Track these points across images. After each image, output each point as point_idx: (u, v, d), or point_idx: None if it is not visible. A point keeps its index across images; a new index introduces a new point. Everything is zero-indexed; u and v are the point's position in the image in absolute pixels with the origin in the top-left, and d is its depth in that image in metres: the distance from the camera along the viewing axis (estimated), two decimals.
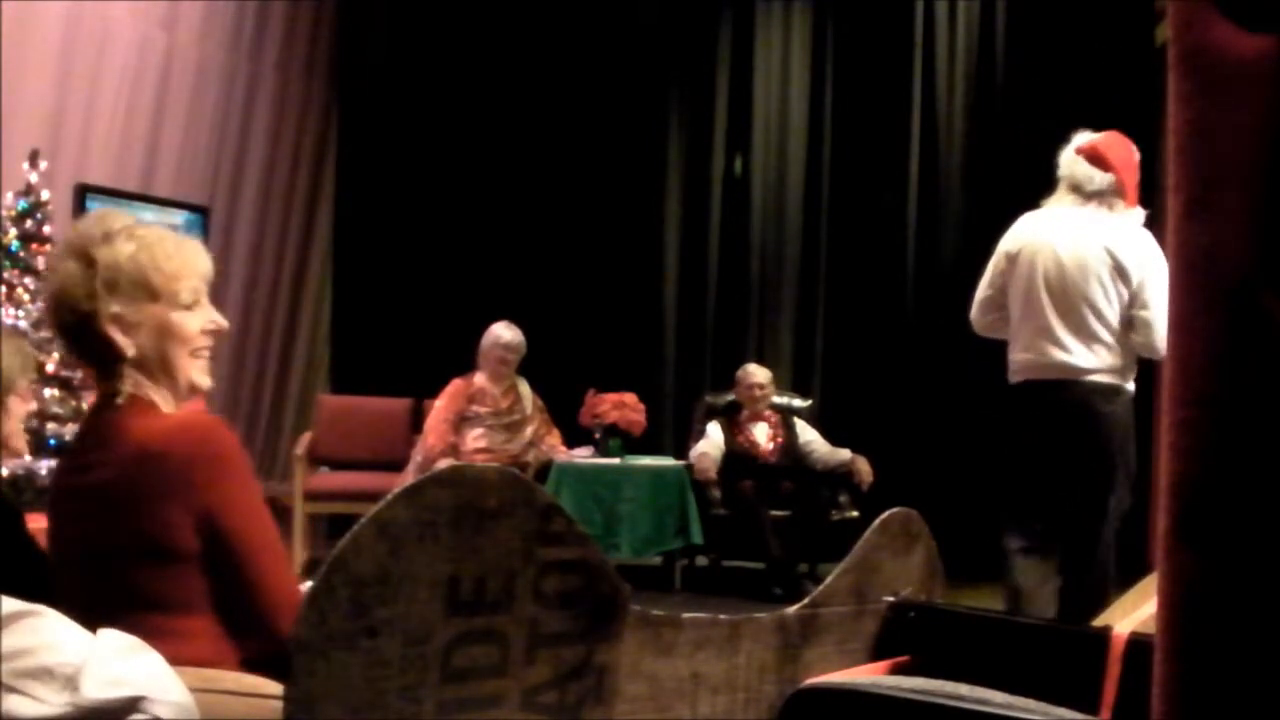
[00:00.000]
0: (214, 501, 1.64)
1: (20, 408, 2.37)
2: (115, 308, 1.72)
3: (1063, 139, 3.72)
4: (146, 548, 1.63)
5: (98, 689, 1.36)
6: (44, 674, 1.34)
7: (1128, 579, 2.68)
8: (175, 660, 1.53)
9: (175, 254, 1.77)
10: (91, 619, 1.56)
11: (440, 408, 5.79)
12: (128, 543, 1.64)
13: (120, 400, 1.74)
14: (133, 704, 1.37)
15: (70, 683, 1.35)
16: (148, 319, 1.74)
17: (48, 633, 1.38)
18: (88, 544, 1.68)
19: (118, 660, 1.40)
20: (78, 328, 1.74)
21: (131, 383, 1.74)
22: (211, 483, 1.65)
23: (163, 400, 1.77)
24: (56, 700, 1.34)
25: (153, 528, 1.63)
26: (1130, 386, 3.54)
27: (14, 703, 1.32)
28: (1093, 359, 3.47)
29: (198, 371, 1.81)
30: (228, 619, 1.66)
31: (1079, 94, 6.14)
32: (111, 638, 1.45)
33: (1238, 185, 0.65)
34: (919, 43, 6.99)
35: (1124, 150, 3.57)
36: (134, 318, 1.73)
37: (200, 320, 1.80)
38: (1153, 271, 3.42)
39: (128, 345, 1.73)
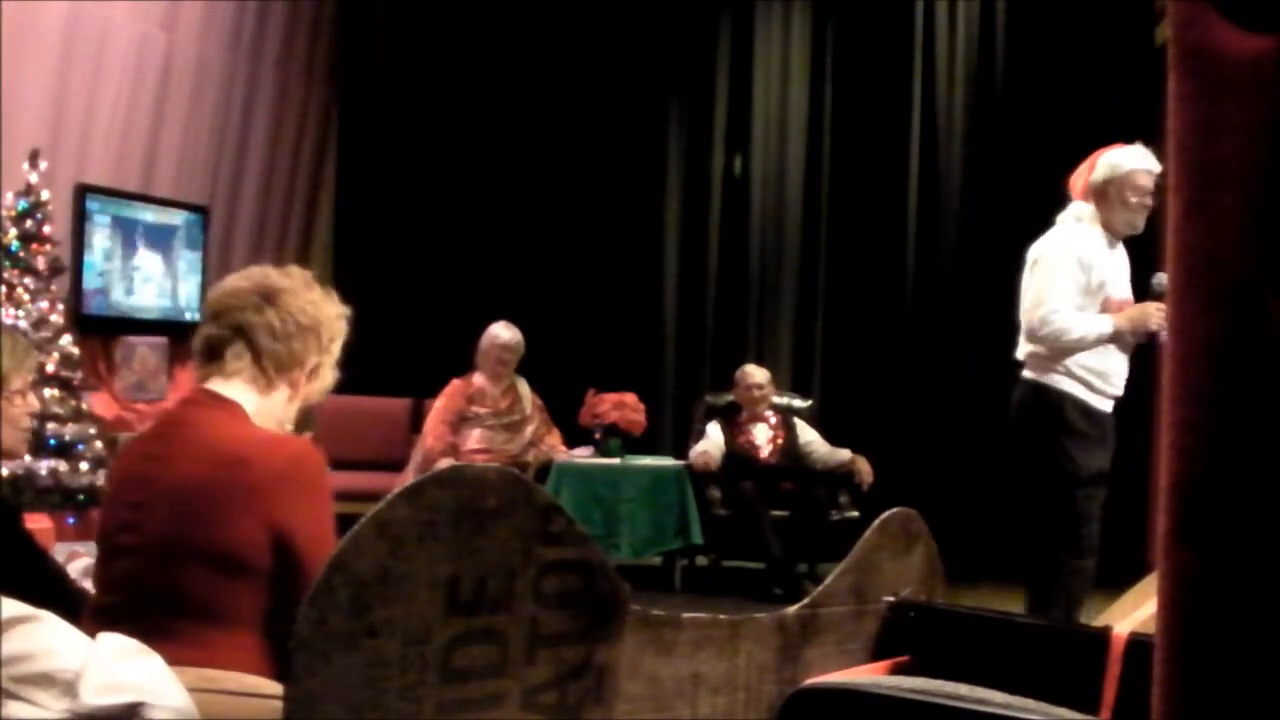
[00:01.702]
0: (291, 521, 1.65)
1: (20, 409, 2.35)
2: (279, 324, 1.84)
3: (1062, 139, 3.74)
4: (214, 554, 1.63)
5: (96, 695, 1.35)
6: (44, 680, 1.34)
7: (1128, 579, 2.68)
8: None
9: (339, 320, 2.01)
10: (137, 614, 1.58)
11: (439, 408, 5.78)
12: (196, 546, 1.63)
13: (221, 396, 1.77)
14: (131, 710, 1.36)
15: (69, 689, 1.35)
16: (312, 357, 1.88)
17: (47, 638, 1.37)
18: (151, 536, 1.67)
19: (116, 665, 1.40)
20: (232, 332, 1.81)
21: (240, 387, 1.80)
22: (293, 502, 1.67)
23: (259, 417, 1.81)
24: (56, 706, 1.34)
25: (226, 536, 1.63)
26: (1056, 381, 3.45)
27: (14, 709, 1.31)
28: (1021, 353, 3.59)
29: (294, 411, 1.92)
30: (277, 641, 1.63)
31: (1079, 94, 6.15)
32: (111, 642, 1.45)
33: (1238, 185, 0.65)
34: (919, 43, 6.99)
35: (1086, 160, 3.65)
36: (301, 353, 1.86)
37: (330, 381, 1.97)
38: (1041, 262, 3.50)
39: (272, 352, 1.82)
